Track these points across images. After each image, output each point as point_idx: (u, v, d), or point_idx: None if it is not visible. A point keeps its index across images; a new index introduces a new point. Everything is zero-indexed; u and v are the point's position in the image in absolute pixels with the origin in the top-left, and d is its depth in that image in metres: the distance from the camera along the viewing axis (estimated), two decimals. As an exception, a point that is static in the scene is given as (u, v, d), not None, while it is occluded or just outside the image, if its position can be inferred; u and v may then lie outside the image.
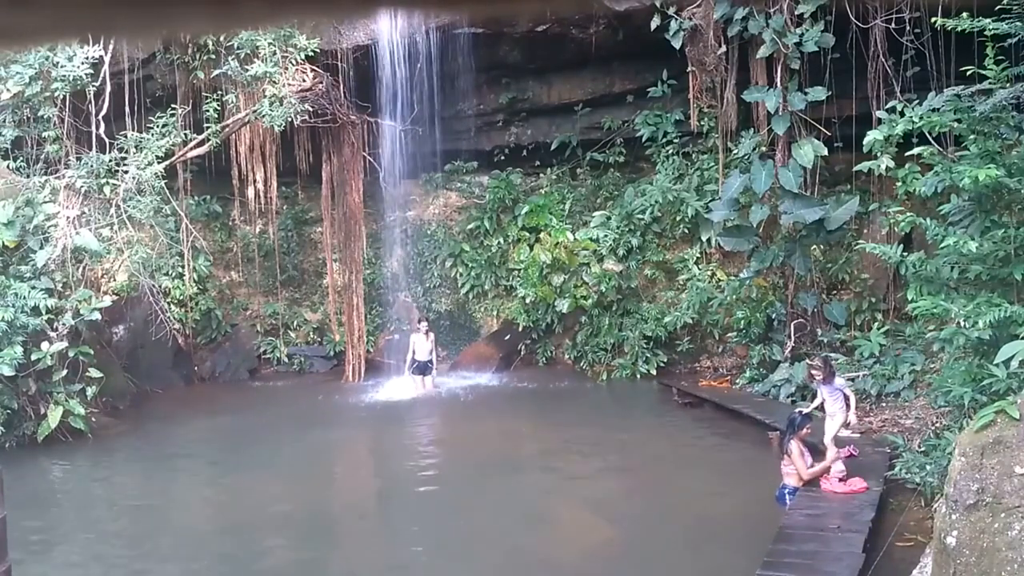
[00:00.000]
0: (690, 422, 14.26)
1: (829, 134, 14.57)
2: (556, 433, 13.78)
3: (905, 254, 9.59)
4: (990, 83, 9.00)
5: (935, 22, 10.20)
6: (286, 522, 10.40)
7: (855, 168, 12.65)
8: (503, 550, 9.34)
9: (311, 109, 15.74)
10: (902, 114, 9.75)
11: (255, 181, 17.26)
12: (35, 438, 12.99)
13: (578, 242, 17.38)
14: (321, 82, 16.08)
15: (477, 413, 15.08)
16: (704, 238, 17.11)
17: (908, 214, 9.81)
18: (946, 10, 10.18)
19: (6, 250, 13.40)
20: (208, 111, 15.51)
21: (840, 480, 9.41)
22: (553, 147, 18.97)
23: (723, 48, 15.17)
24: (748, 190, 14.88)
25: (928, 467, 9.19)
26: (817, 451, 9.70)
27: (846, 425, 10.34)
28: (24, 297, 12.75)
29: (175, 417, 15.33)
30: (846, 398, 10.06)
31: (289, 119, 15.29)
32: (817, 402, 10.24)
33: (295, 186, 19.25)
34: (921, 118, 9.36)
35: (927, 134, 9.48)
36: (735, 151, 15.69)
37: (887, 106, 10.66)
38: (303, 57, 15.53)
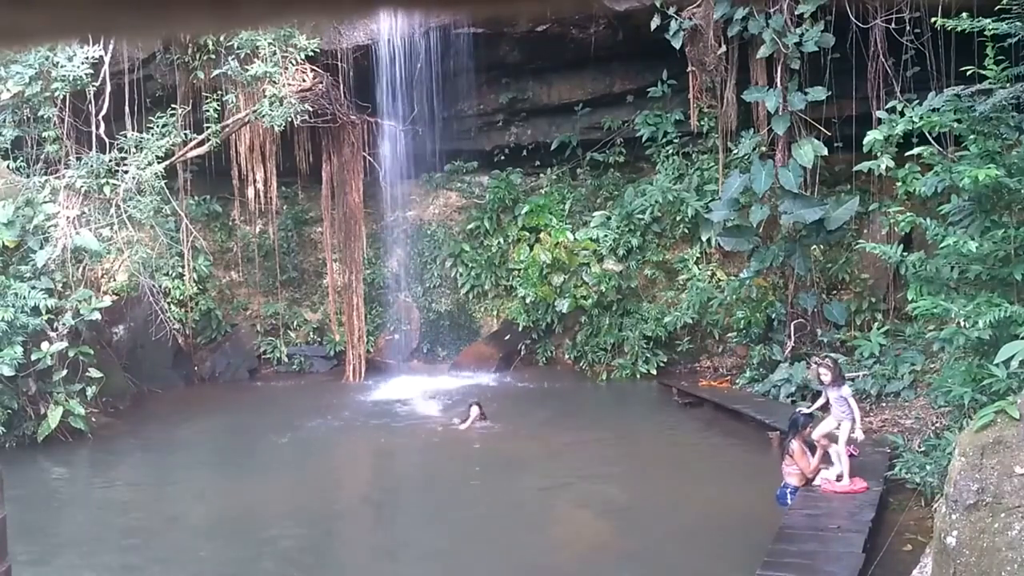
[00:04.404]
0: (690, 422, 14.26)
1: (829, 134, 14.56)
2: (556, 433, 13.77)
3: (905, 254, 9.59)
4: (990, 83, 9.00)
5: (935, 22, 10.20)
6: (286, 522, 10.40)
7: (855, 168, 12.65)
8: (502, 550, 9.34)
9: (311, 109, 15.74)
10: (902, 114, 9.75)
11: (255, 181, 17.25)
12: (35, 438, 12.99)
13: (578, 242, 17.38)
14: (321, 82, 16.07)
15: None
16: (704, 238, 17.10)
17: (908, 214, 9.80)
18: (946, 10, 10.18)
19: (6, 250, 13.40)
20: (208, 111, 15.51)
21: (838, 480, 9.42)
22: (553, 147, 18.96)
23: (723, 48, 15.17)
24: (748, 190, 14.88)
25: (928, 467, 9.20)
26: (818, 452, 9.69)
27: (850, 442, 10.25)
28: (24, 297, 12.75)
29: (175, 417, 15.33)
30: (851, 408, 9.86)
31: (289, 119, 15.29)
32: (820, 402, 10.20)
33: (295, 186, 19.25)
34: (921, 118, 9.36)
35: (927, 134, 9.48)
36: (735, 151, 15.69)
37: (887, 106, 10.67)
38: (303, 57, 15.52)
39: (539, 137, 19.14)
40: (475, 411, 14.05)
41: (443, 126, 18.45)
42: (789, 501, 9.36)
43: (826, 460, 9.61)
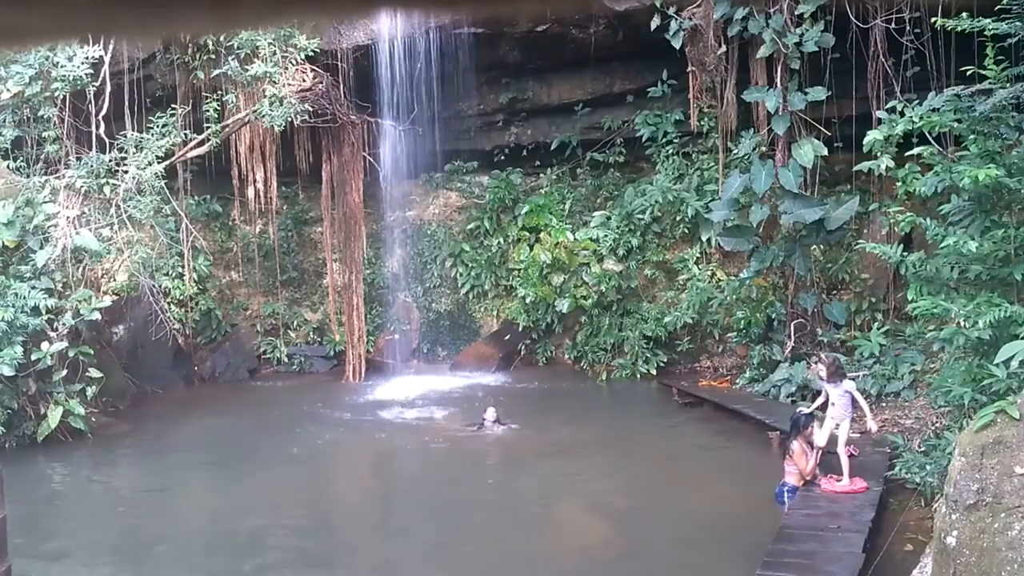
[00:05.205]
0: (690, 422, 14.25)
1: (829, 134, 14.56)
2: (555, 433, 13.77)
3: (905, 254, 9.59)
4: (990, 83, 9.01)
5: (935, 22, 10.20)
6: (286, 522, 10.40)
7: (855, 168, 12.65)
8: (502, 550, 9.34)
9: (311, 109, 15.73)
10: (902, 114, 9.76)
11: (255, 181, 17.25)
12: (35, 438, 12.99)
13: (578, 242, 17.38)
14: (321, 82, 16.07)
15: (477, 413, 15.03)
16: (704, 238, 17.10)
17: (908, 214, 9.81)
18: (946, 10, 10.18)
19: (6, 250, 13.40)
20: (208, 111, 15.51)
21: (835, 479, 9.43)
22: (553, 147, 18.96)
23: (723, 48, 15.16)
24: (748, 190, 14.87)
25: (928, 467, 9.20)
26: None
27: (849, 442, 10.27)
28: (24, 297, 12.75)
29: (175, 417, 15.33)
30: (854, 402, 9.82)
31: (289, 119, 15.29)
32: (820, 401, 10.21)
33: (295, 186, 19.25)
34: (921, 118, 9.37)
35: (927, 134, 9.48)
36: (735, 151, 15.68)
37: (887, 106, 10.68)
38: (303, 57, 15.52)
39: (539, 137, 19.13)
40: (492, 413, 13.93)
41: (443, 126, 18.45)
42: (786, 500, 9.37)
43: (837, 472, 9.55)
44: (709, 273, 17.01)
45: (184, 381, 17.71)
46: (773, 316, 15.36)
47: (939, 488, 8.01)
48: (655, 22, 15.59)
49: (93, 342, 14.14)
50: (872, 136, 10.20)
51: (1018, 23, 8.93)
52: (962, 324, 8.37)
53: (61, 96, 14.31)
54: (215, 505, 11.31)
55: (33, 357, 12.74)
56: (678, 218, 17.27)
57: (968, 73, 9.41)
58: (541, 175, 19.38)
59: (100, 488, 12.32)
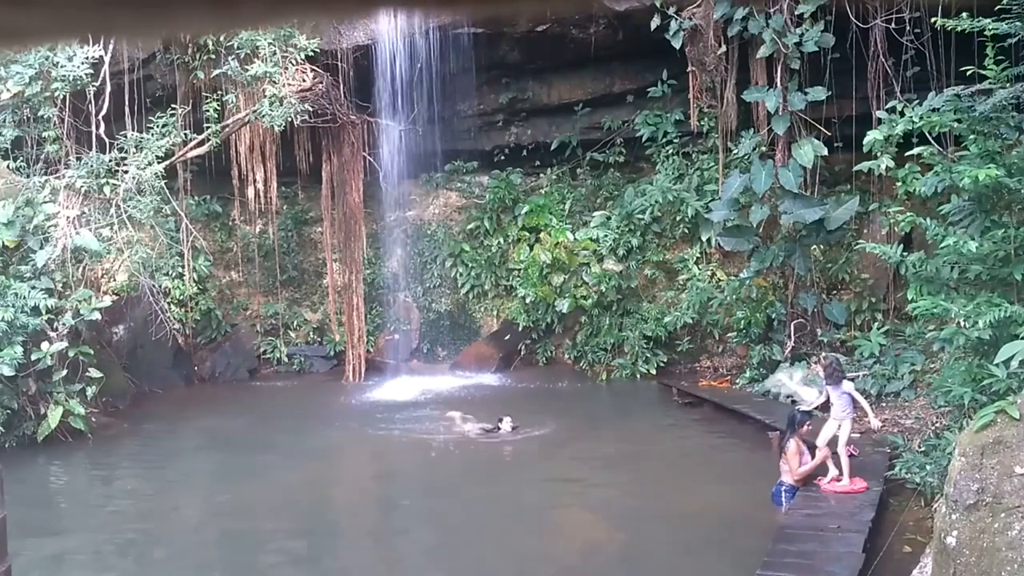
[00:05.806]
0: (690, 422, 14.25)
1: (829, 134, 14.56)
2: (555, 433, 13.77)
3: (905, 254, 9.60)
4: (990, 83, 9.01)
5: (935, 22, 10.21)
6: (286, 523, 10.41)
7: (855, 168, 12.65)
8: (502, 550, 9.34)
9: (311, 109, 15.73)
10: (902, 114, 9.77)
11: (255, 181, 17.25)
12: (35, 438, 12.99)
13: (578, 242, 17.38)
14: (321, 82, 16.07)
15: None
16: (704, 238, 17.10)
17: (908, 214, 9.81)
18: (946, 10, 10.19)
19: (6, 250, 13.40)
20: (208, 111, 15.51)
21: (836, 481, 9.42)
22: (553, 147, 18.96)
23: (723, 48, 15.17)
24: (748, 190, 14.88)
25: (928, 467, 9.20)
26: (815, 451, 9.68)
27: (874, 431, 10.31)
28: (24, 297, 12.75)
29: (175, 417, 15.33)
30: (854, 402, 9.83)
31: (289, 119, 15.29)
32: (819, 400, 10.21)
33: (295, 186, 19.25)
34: (921, 118, 9.37)
35: (927, 134, 9.49)
36: (735, 151, 15.69)
37: (887, 106, 10.68)
38: (303, 57, 15.52)
39: (539, 137, 19.13)
40: (508, 423, 13.69)
41: (443, 126, 18.45)
42: (783, 500, 9.36)
43: (821, 469, 9.55)
44: (709, 273, 17.01)
45: (184, 381, 17.71)
46: (773, 316, 15.36)
47: (939, 488, 8.02)
48: (655, 22, 15.59)
49: (93, 342, 14.14)
50: (872, 136, 10.20)
51: (1018, 23, 8.94)
52: (962, 324, 8.37)
53: (61, 96, 14.31)
54: (215, 505, 11.31)
55: (33, 357, 12.74)
56: (678, 218, 17.27)
57: (968, 73, 9.42)
58: (541, 175, 19.38)
59: (100, 488, 12.32)
